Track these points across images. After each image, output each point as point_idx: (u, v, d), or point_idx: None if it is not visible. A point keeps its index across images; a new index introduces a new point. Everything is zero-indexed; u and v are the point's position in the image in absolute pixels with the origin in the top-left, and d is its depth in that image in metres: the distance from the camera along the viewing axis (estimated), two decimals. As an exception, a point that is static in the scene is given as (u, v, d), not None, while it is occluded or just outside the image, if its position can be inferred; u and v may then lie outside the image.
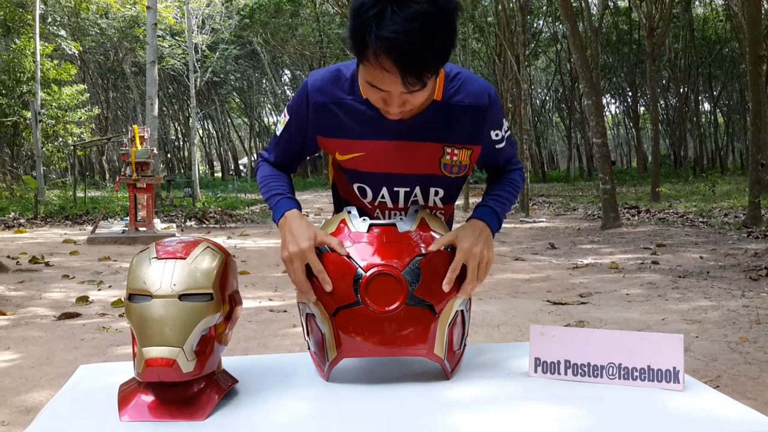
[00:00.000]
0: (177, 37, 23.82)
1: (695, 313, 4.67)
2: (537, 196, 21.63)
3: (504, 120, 1.57)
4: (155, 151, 11.00)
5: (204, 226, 13.02)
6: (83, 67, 31.59)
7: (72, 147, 20.06)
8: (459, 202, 16.18)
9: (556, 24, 30.15)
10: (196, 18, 23.21)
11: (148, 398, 1.21)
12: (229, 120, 44.81)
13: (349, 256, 1.37)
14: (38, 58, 18.01)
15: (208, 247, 1.28)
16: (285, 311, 5.05)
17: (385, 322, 1.33)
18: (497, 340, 4.05)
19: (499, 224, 1.54)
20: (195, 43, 22.53)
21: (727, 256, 7.44)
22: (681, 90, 29.44)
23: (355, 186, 1.59)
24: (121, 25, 26.40)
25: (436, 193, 1.58)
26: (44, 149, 19.17)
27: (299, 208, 1.49)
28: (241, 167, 47.82)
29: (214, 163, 51.80)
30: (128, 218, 10.52)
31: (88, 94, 24.82)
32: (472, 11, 21.03)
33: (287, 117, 1.57)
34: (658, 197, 16.75)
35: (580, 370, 1.38)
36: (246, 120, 44.64)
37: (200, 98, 33.90)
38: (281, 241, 1.43)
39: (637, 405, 1.25)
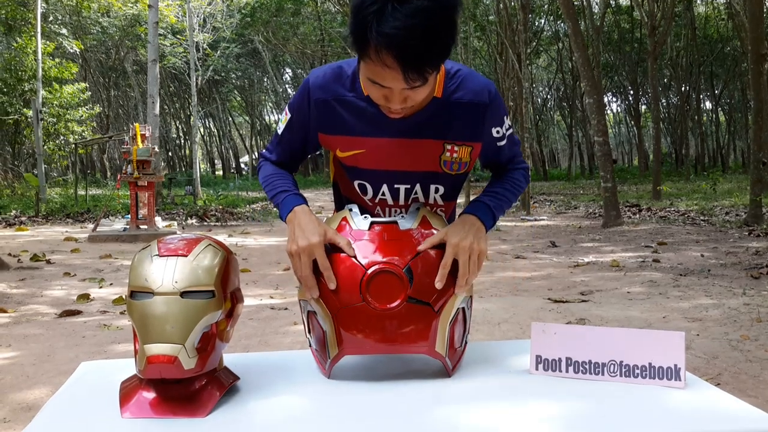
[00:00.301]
0: (178, 36, 23.82)
1: (696, 311, 4.67)
2: (538, 194, 21.62)
3: (506, 118, 1.57)
4: (156, 149, 11.01)
5: (205, 224, 13.02)
6: (84, 66, 31.57)
7: (73, 145, 20.06)
8: (460, 200, 16.18)
9: (558, 22, 30.12)
10: (198, 16, 23.20)
11: (150, 395, 1.22)
12: (230, 118, 44.82)
13: (356, 257, 1.37)
14: (40, 56, 18.01)
15: (210, 244, 1.28)
16: (286, 309, 5.05)
17: (386, 319, 1.33)
18: (498, 337, 4.05)
19: (493, 219, 1.53)
20: (196, 42, 22.52)
21: (728, 255, 7.43)
22: (682, 88, 29.42)
23: (356, 183, 1.59)
24: (123, 24, 26.40)
25: (437, 191, 1.58)
26: (45, 147, 19.17)
27: (307, 205, 1.50)
28: (243, 165, 47.84)
29: (216, 161, 51.82)
30: (129, 216, 10.52)
31: (90, 93, 24.82)
32: (473, 10, 21.02)
33: (288, 115, 1.57)
34: (660, 195, 16.74)
35: (581, 368, 1.39)
36: (247, 118, 44.64)
37: (201, 96, 33.88)
38: (289, 235, 1.43)
39: (638, 402, 1.25)
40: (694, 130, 33.78)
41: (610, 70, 33.19)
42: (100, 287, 6.10)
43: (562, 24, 27.99)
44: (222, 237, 10.15)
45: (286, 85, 40.98)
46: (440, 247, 1.41)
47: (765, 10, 10.59)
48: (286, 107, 1.59)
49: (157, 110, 15.01)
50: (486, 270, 6.75)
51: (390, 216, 1.61)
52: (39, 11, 18.00)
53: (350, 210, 1.47)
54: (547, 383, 1.36)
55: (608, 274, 6.43)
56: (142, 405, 1.21)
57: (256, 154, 43.62)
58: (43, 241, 9.73)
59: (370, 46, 1.22)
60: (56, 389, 1.38)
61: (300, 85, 1.54)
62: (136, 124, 10.47)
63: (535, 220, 13.04)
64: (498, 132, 1.56)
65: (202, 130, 44.64)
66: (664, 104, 35.53)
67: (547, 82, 43.01)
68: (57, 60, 21.19)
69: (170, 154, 42.09)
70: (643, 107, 38.19)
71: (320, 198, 20.90)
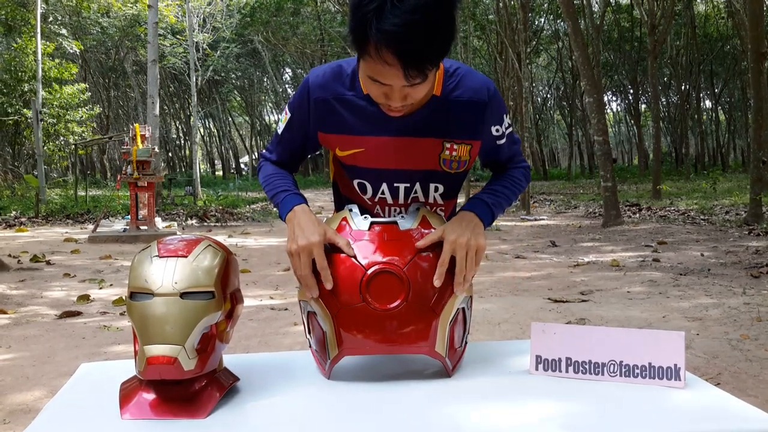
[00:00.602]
0: (178, 36, 23.81)
1: (696, 311, 4.66)
2: (538, 193, 21.62)
3: (505, 116, 1.56)
4: (156, 149, 11.00)
5: (205, 224, 13.02)
6: (84, 66, 31.59)
7: (73, 146, 20.06)
8: (460, 199, 16.17)
9: (558, 21, 30.12)
10: (197, 17, 23.20)
11: (150, 396, 1.22)
12: (230, 118, 44.82)
13: (355, 257, 1.37)
14: (39, 57, 18.01)
15: (210, 245, 1.28)
16: (286, 309, 5.05)
17: (386, 319, 1.33)
18: (498, 337, 4.05)
19: (491, 217, 1.52)
20: (196, 42, 22.52)
21: (728, 254, 7.43)
22: (682, 87, 29.42)
23: (355, 182, 1.59)
24: (122, 24, 26.40)
25: (436, 189, 1.58)
26: (45, 148, 19.18)
27: (307, 204, 1.50)
28: (242, 166, 47.84)
29: (216, 161, 51.82)
30: (129, 217, 10.52)
31: (90, 93, 24.81)
32: (473, 9, 21.02)
33: (288, 114, 1.57)
34: (660, 195, 16.74)
35: (581, 368, 1.39)
36: (247, 118, 44.64)
37: (201, 97, 33.89)
38: (288, 235, 1.43)
39: (638, 402, 1.25)
40: (694, 129, 33.78)
41: (610, 69, 33.19)
42: (100, 288, 6.10)
43: (561, 23, 27.99)
44: (222, 237, 10.15)
45: (286, 85, 40.99)
46: (440, 246, 1.41)
47: (765, 8, 10.59)
48: (286, 107, 1.59)
49: (157, 111, 15.01)
50: (486, 270, 6.75)
51: (390, 215, 1.61)
52: (39, 12, 18.00)
53: (350, 210, 1.47)
54: (547, 383, 1.36)
55: (608, 274, 6.43)
56: (142, 406, 1.21)
57: (256, 154, 43.72)
58: (43, 242, 9.73)
59: (370, 44, 1.23)
60: (56, 391, 1.38)
61: (300, 84, 1.54)
62: (136, 125, 10.47)
63: (535, 219, 13.04)
64: (497, 131, 1.56)
65: (202, 130, 44.64)
66: (664, 103, 35.52)
67: (546, 81, 43.01)
68: (57, 60, 21.19)
69: (170, 154, 42.09)
70: (643, 106, 38.19)
71: (320, 198, 20.91)
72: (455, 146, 1.52)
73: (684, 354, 1.33)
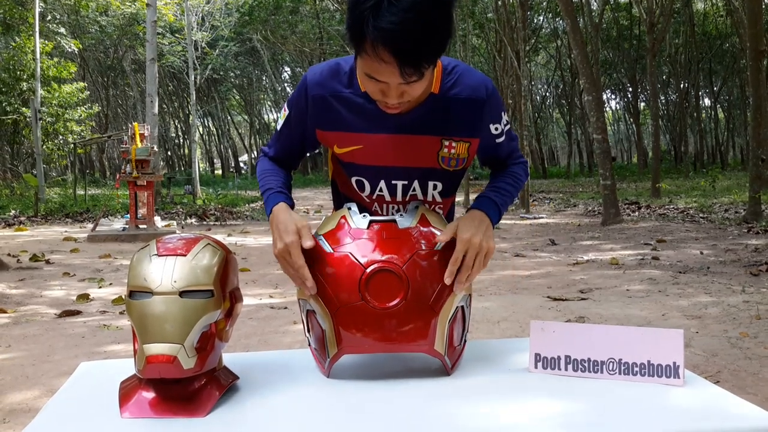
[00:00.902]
0: (177, 35, 23.78)
1: (696, 309, 4.67)
2: (537, 192, 21.62)
3: (503, 114, 1.57)
4: (155, 148, 11.00)
5: (204, 223, 13.02)
6: (83, 65, 31.56)
7: (72, 145, 20.05)
8: (459, 198, 16.19)
9: (557, 20, 30.10)
10: (196, 15, 23.18)
11: (149, 395, 1.22)
12: (229, 117, 44.79)
13: (315, 237, 1.39)
14: (38, 55, 18.00)
15: (209, 244, 1.28)
16: (285, 308, 5.05)
17: (385, 318, 1.33)
18: (498, 336, 4.05)
19: (498, 215, 1.53)
20: (195, 41, 22.50)
21: (727, 252, 7.44)
22: (681, 85, 29.41)
23: (353, 179, 1.60)
24: (121, 23, 26.37)
25: (435, 187, 1.59)
26: (44, 147, 19.16)
27: (288, 201, 1.50)
28: (242, 164, 47.80)
29: (215, 160, 51.79)
30: (129, 216, 10.52)
31: (88, 92, 24.79)
32: (472, 7, 21.00)
33: (287, 111, 1.58)
34: (659, 193, 16.75)
35: (580, 366, 1.39)
36: (246, 117, 44.62)
37: (200, 95, 33.90)
38: (272, 238, 1.44)
39: (637, 400, 1.25)
40: (693, 127, 33.77)
41: (608, 67, 33.17)
42: (100, 287, 6.10)
43: (560, 21, 27.97)
44: (221, 236, 10.15)
45: (285, 84, 40.97)
46: (439, 245, 1.41)
47: (764, 6, 10.58)
48: (285, 103, 1.60)
49: (156, 109, 15.00)
50: (485, 268, 6.75)
51: (388, 213, 1.62)
52: (37, 10, 17.98)
53: (349, 209, 1.47)
54: (546, 381, 1.36)
55: (607, 272, 6.43)
56: (141, 405, 1.21)
57: (256, 153, 43.70)
58: (43, 241, 9.73)
59: (367, 41, 1.23)
60: (56, 390, 1.38)
61: (299, 82, 1.55)
62: (135, 124, 10.46)
63: (535, 218, 13.04)
64: (496, 129, 1.56)
65: (200, 129, 44.62)
66: (663, 101, 35.51)
67: (545, 80, 42.99)
68: (55, 59, 21.18)
69: (169, 153, 42.06)
70: (642, 104, 38.19)
71: (319, 197, 20.89)
72: (454, 144, 1.52)
73: (683, 352, 1.34)
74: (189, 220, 13.32)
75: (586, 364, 1.38)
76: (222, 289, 1.24)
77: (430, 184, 1.58)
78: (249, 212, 15.00)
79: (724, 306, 4.72)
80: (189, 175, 25.11)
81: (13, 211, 14.13)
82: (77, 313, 4.98)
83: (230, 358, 1.48)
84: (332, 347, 1.37)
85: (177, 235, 1.30)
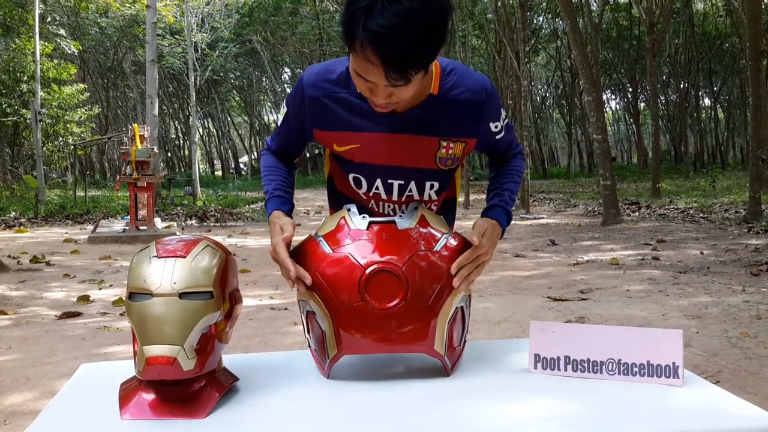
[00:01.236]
0: (176, 36, 23.80)
1: (696, 309, 4.67)
2: (537, 192, 21.62)
3: (501, 109, 1.59)
4: (155, 149, 11.00)
5: (204, 224, 13.02)
6: (83, 67, 31.58)
7: (72, 146, 20.06)
8: (460, 199, 16.16)
9: (556, 20, 30.11)
10: (196, 16, 23.19)
11: (149, 396, 1.22)
12: (229, 118, 44.80)
13: (315, 238, 1.42)
14: (38, 57, 18.00)
15: (208, 245, 1.28)
16: (286, 309, 5.05)
17: (385, 319, 1.33)
18: (497, 336, 4.05)
19: (508, 222, 1.60)
20: (194, 42, 22.52)
21: (727, 252, 7.44)
22: (681, 86, 29.40)
23: (350, 176, 1.62)
24: (121, 24, 26.40)
25: (432, 187, 1.60)
26: (44, 149, 19.17)
27: (284, 205, 1.55)
28: (242, 165, 47.79)
29: (215, 161, 51.79)
30: (129, 217, 10.52)
31: (88, 94, 24.81)
32: (471, 8, 21.01)
33: (286, 109, 1.60)
34: (659, 193, 16.75)
35: (579, 366, 1.39)
36: (246, 118, 44.62)
37: (200, 97, 33.90)
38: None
39: (636, 401, 1.25)
40: (693, 127, 33.78)
41: (608, 67, 33.18)
42: (100, 289, 6.10)
43: (560, 22, 27.97)
44: (221, 237, 10.15)
45: (285, 85, 40.96)
46: (438, 246, 1.41)
47: (763, 6, 10.59)
48: (285, 100, 1.62)
49: (156, 111, 15.01)
50: (486, 269, 6.72)
51: (384, 210, 1.64)
52: (37, 12, 17.99)
53: (348, 210, 1.48)
54: (546, 382, 1.36)
55: (608, 273, 6.43)
56: (141, 406, 1.21)
57: (256, 154, 43.70)
58: (43, 242, 9.73)
59: (357, 41, 1.24)
60: (56, 391, 1.38)
61: (297, 82, 1.57)
62: (135, 125, 10.46)
63: (535, 218, 13.04)
64: (496, 126, 1.58)
65: (201, 130, 44.62)
66: (663, 101, 35.51)
67: (545, 80, 43.00)
68: (55, 61, 21.18)
69: (169, 154, 42.07)
70: (642, 104, 38.19)
71: (319, 198, 20.88)
72: (452, 144, 1.53)
73: (682, 352, 1.34)
74: (189, 222, 13.32)
75: (585, 365, 1.38)
76: (222, 291, 1.24)
77: (427, 183, 1.60)
78: (249, 213, 15.00)
79: (725, 306, 4.72)
80: (189, 176, 25.11)
81: (13, 213, 14.13)
82: (77, 314, 4.99)
83: (230, 359, 1.48)
84: (332, 348, 1.37)
85: (177, 237, 1.30)
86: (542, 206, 16.43)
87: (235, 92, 41.00)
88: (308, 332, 1.47)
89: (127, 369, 1.35)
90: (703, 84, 34.65)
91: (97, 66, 34.30)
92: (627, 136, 48.85)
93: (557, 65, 35.87)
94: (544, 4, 28.76)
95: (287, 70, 41.36)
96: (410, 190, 1.59)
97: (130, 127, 10.79)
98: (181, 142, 44.17)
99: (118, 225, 11.26)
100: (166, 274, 1.19)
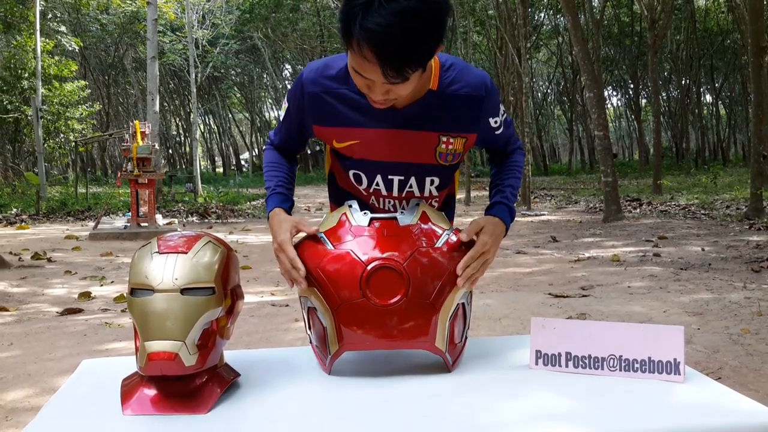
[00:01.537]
0: (177, 33, 23.78)
1: (697, 305, 4.67)
2: (539, 189, 21.61)
3: (500, 105, 1.60)
4: (156, 146, 11.00)
5: (206, 221, 13.03)
6: (84, 63, 31.57)
7: (73, 143, 20.05)
8: (460, 196, 16.17)
9: (558, 16, 30.06)
10: (197, 13, 23.17)
11: (151, 392, 1.22)
12: (230, 115, 44.79)
13: (319, 236, 1.42)
14: (39, 54, 17.99)
15: (210, 241, 1.28)
16: (287, 306, 5.06)
17: (386, 315, 1.33)
18: (499, 332, 4.05)
19: (512, 218, 1.61)
20: (195, 39, 22.49)
21: (729, 248, 7.43)
22: (683, 82, 29.36)
23: (351, 173, 1.62)
24: (122, 21, 26.36)
25: (432, 182, 1.60)
26: (46, 145, 19.17)
27: (285, 203, 1.57)
28: (243, 162, 47.82)
29: (216, 158, 51.81)
30: (130, 214, 10.53)
31: (89, 90, 24.79)
32: (473, 4, 20.98)
33: (287, 104, 1.61)
34: (660, 189, 16.74)
35: (580, 362, 1.39)
36: (247, 115, 44.61)
37: (201, 93, 33.88)
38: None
39: (637, 397, 1.25)
40: (694, 123, 33.74)
41: (610, 63, 33.14)
42: (101, 285, 6.11)
43: (561, 18, 27.93)
44: (222, 234, 10.15)
45: (286, 81, 40.93)
46: (439, 242, 1.41)
47: (765, 2, 10.57)
48: (286, 96, 1.62)
49: (157, 107, 15.00)
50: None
51: (384, 206, 1.64)
52: (38, 9, 17.99)
53: (350, 206, 1.48)
54: (547, 378, 1.37)
55: (609, 269, 6.43)
56: (143, 402, 1.21)
57: (257, 150, 43.73)
58: (44, 239, 9.74)
59: (354, 38, 1.24)
60: (58, 387, 1.38)
61: (297, 78, 1.57)
62: (136, 122, 10.46)
63: (536, 215, 13.04)
64: (496, 122, 1.59)
65: (202, 127, 44.62)
66: (665, 98, 35.47)
67: (547, 77, 42.95)
68: (56, 58, 21.18)
69: (170, 151, 42.07)
70: (644, 101, 38.16)
71: (320, 194, 20.87)
72: (451, 140, 1.54)
73: (683, 348, 1.34)
74: (190, 218, 13.33)
75: (586, 361, 1.38)
76: (223, 287, 1.24)
77: (427, 179, 1.60)
78: (250, 210, 15.00)
79: (726, 302, 4.72)
80: (190, 173, 25.12)
81: (14, 210, 14.14)
82: (79, 311, 4.99)
83: (231, 355, 1.48)
84: (333, 344, 1.37)
85: (178, 233, 1.30)
86: (543, 203, 16.42)
87: (236, 89, 40.99)
88: (309, 328, 1.47)
89: (129, 365, 1.35)
90: (704, 80, 34.59)
91: (98, 63, 34.28)
92: (628, 132, 48.83)
93: (558, 62, 35.82)
94: (545, 0, 28.71)
95: (288, 66, 41.32)
96: (410, 186, 1.60)
97: (131, 123, 10.79)
98: (182, 138, 44.17)
99: (119, 222, 11.26)
100: (167, 270, 1.19)
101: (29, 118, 19.21)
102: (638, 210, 12.90)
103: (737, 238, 8.30)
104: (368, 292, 1.33)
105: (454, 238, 1.45)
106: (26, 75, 19.98)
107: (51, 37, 21.58)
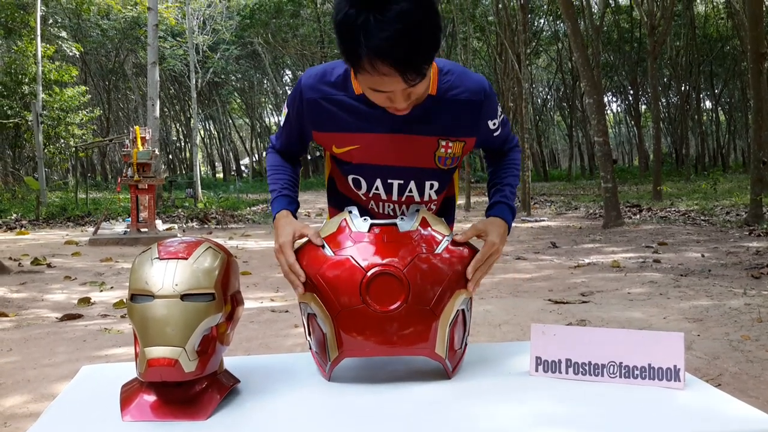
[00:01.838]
0: (178, 38, 23.83)
1: (697, 312, 4.66)
2: (538, 194, 21.61)
3: (498, 106, 1.61)
4: (157, 152, 11.01)
5: (206, 226, 13.03)
6: (84, 69, 31.60)
7: (73, 148, 20.07)
8: (460, 201, 16.17)
9: (557, 22, 30.13)
10: (197, 19, 23.22)
11: (151, 398, 1.22)
12: (230, 120, 44.81)
13: (324, 247, 1.41)
14: (39, 59, 18.02)
15: (210, 247, 1.28)
16: (287, 312, 5.05)
17: (386, 321, 1.33)
18: (499, 339, 4.05)
19: (513, 216, 1.63)
20: (196, 44, 22.55)
21: (728, 255, 7.43)
22: (682, 88, 29.39)
23: (350, 178, 1.63)
24: (122, 26, 26.43)
25: (431, 186, 1.61)
26: (46, 151, 19.18)
27: (291, 205, 1.58)
28: (243, 168, 47.81)
29: (216, 163, 51.81)
30: (130, 219, 10.53)
31: (90, 96, 24.83)
32: (472, 10, 21.02)
33: (287, 109, 1.62)
34: (660, 196, 16.74)
35: (580, 369, 1.39)
36: (247, 120, 44.65)
37: (201, 99, 33.90)
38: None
39: (637, 403, 1.25)
40: (694, 129, 33.76)
41: (609, 69, 33.18)
42: (101, 291, 6.10)
43: (561, 24, 27.99)
44: (222, 240, 10.15)
45: (286, 87, 40.98)
46: (439, 248, 1.41)
47: (765, 8, 10.59)
48: (286, 101, 1.63)
49: (157, 113, 15.02)
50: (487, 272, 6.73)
51: (384, 211, 1.65)
52: (39, 14, 18.02)
53: (350, 212, 1.48)
54: (547, 385, 1.36)
55: (609, 275, 6.43)
56: (142, 408, 1.21)
57: (257, 156, 43.74)
58: (44, 244, 9.74)
59: (364, 60, 1.25)
60: (57, 393, 1.38)
61: (296, 84, 1.58)
62: (137, 127, 10.48)
63: (536, 220, 13.04)
64: (494, 124, 1.61)
65: (202, 132, 44.63)
66: (664, 104, 35.50)
67: (546, 83, 43.01)
68: (57, 63, 21.20)
69: (170, 156, 42.10)
70: (643, 107, 38.18)
71: (320, 200, 20.85)
72: (450, 144, 1.55)
73: (683, 355, 1.34)
74: (190, 224, 13.33)
75: (586, 368, 1.38)
76: (223, 293, 1.24)
77: (427, 183, 1.61)
78: (250, 215, 15.00)
79: (726, 309, 4.71)
80: (190, 178, 25.12)
81: (14, 215, 14.14)
82: (78, 316, 4.99)
83: (231, 361, 1.48)
84: (333, 350, 1.37)
85: (178, 239, 1.31)
86: (543, 209, 16.42)
87: (236, 94, 41.03)
88: (309, 334, 1.47)
89: (129, 371, 1.35)
90: (704, 86, 34.64)
91: (99, 68, 34.33)
92: (628, 138, 48.84)
93: (558, 67, 35.87)
94: (545, 6, 28.78)
95: (288, 72, 41.37)
96: (410, 190, 1.61)
97: (131, 129, 10.80)
98: (183, 144, 44.19)
99: (119, 227, 11.26)
100: (168, 275, 1.20)
101: (29, 123, 19.23)
102: (638, 216, 12.90)
103: (737, 244, 8.30)
104: (368, 298, 1.33)
105: (454, 245, 1.45)
106: (27, 80, 20.01)
107: (52, 43, 21.63)
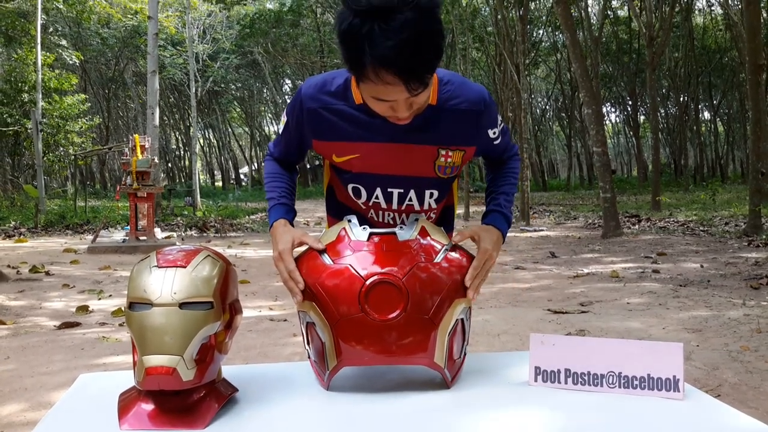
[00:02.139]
0: (178, 47, 23.90)
1: (696, 322, 4.66)
2: (537, 204, 21.62)
3: (497, 116, 1.62)
4: (156, 160, 11.02)
5: (204, 235, 13.02)
6: (84, 77, 31.66)
7: (73, 156, 20.08)
8: (459, 210, 16.17)
9: (556, 33, 30.25)
10: (197, 28, 23.29)
11: (148, 407, 1.22)
12: (229, 129, 44.88)
13: (324, 252, 1.41)
14: (39, 67, 18.06)
15: (209, 255, 1.28)
16: (285, 320, 5.04)
17: (385, 330, 1.33)
18: (498, 348, 4.04)
19: (508, 227, 1.64)
20: (196, 53, 22.61)
21: (727, 265, 7.43)
22: (681, 99, 29.50)
23: (350, 187, 1.63)
24: (122, 35, 26.51)
25: (431, 195, 1.62)
26: (45, 158, 19.18)
27: (288, 213, 1.58)
28: (242, 176, 47.85)
29: (215, 172, 51.85)
30: (129, 227, 10.52)
31: (89, 104, 24.87)
32: (472, 21, 21.10)
33: (286, 118, 1.62)
34: (659, 206, 16.75)
35: (579, 379, 1.38)
36: (247, 129, 44.72)
37: (201, 107, 33.96)
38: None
39: (637, 414, 1.25)
40: (692, 140, 33.84)
41: (608, 80, 33.29)
42: (99, 299, 6.09)
43: (560, 35, 28.09)
44: (221, 248, 10.14)
45: (286, 96, 41.06)
46: (438, 257, 1.41)
47: (762, 20, 10.63)
48: (285, 109, 1.63)
49: (157, 121, 15.03)
50: (486, 281, 6.72)
51: (384, 219, 1.65)
52: (39, 22, 18.06)
53: (349, 221, 1.48)
54: (546, 395, 1.36)
55: (608, 285, 6.42)
56: (140, 417, 1.20)
57: (256, 165, 43.76)
58: (43, 252, 9.72)
59: (368, 69, 1.25)
60: (54, 401, 1.38)
61: (296, 93, 1.59)
62: (136, 135, 10.48)
63: (535, 230, 13.04)
64: (494, 133, 1.62)
65: (201, 141, 44.69)
66: (663, 114, 35.60)
67: (545, 93, 43.13)
68: (57, 71, 21.24)
69: (170, 165, 42.11)
70: (642, 117, 38.28)
71: (319, 209, 20.86)
72: (450, 153, 1.55)
73: (683, 365, 1.33)
74: (189, 232, 13.32)
75: (586, 378, 1.38)
76: (222, 301, 1.24)
77: (426, 192, 1.62)
78: (249, 224, 15.00)
79: (725, 319, 4.71)
80: (189, 186, 25.13)
81: (13, 223, 14.13)
82: (77, 324, 4.97)
83: (229, 370, 1.47)
84: (332, 359, 1.36)
85: (177, 247, 1.30)
86: (542, 218, 16.43)
87: (235, 103, 41.13)
88: (308, 343, 1.47)
89: (127, 379, 1.35)
90: (702, 97, 34.75)
91: (99, 76, 34.41)
92: (627, 148, 48.92)
93: (557, 78, 35.99)
94: (544, 17, 28.90)
95: (288, 81, 41.47)
96: (410, 199, 1.61)
97: (130, 137, 10.81)
98: (182, 152, 44.23)
99: (118, 235, 11.25)
100: (166, 284, 1.19)
101: (29, 131, 19.23)
102: (637, 226, 12.91)
103: (736, 254, 8.30)
104: (367, 307, 1.33)
105: (453, 254, 1.45)
106: (26, 88, 20.03)
107: (52, 51, 21.66)
